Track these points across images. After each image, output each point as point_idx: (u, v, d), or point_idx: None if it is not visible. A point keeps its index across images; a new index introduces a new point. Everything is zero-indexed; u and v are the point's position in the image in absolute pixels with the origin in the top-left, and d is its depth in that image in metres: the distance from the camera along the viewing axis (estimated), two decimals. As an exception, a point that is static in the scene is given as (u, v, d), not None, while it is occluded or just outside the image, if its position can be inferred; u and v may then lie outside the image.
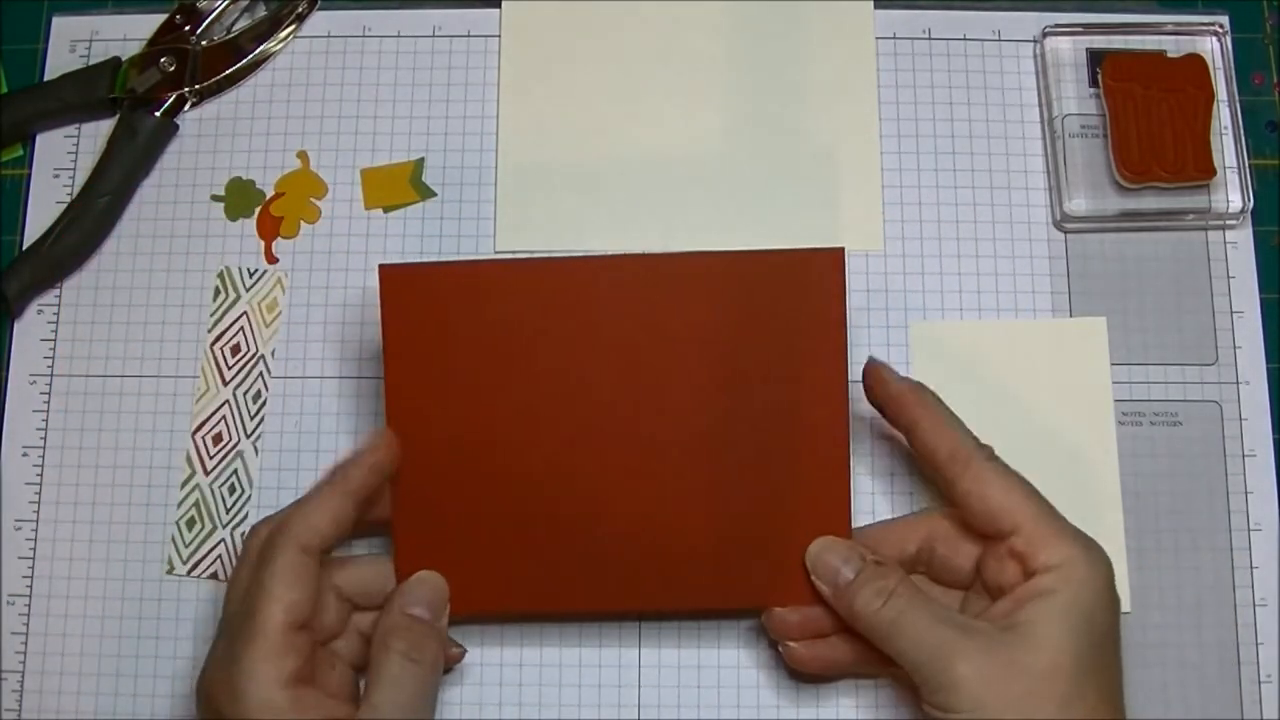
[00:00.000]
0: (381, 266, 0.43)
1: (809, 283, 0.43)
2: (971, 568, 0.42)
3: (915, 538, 0.43)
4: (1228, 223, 0.50)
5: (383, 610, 0.42)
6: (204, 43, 0.52)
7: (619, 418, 0.43)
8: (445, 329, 0.43)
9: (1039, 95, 0.51)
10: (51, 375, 0.49)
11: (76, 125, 0.52)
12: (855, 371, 0.44)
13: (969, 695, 0.38)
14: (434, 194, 0.51)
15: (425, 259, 0.49)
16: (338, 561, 0.43)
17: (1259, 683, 0.46)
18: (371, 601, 0.43)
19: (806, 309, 0.43)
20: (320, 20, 0.53)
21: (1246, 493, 0.48)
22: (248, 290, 0.50)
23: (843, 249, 0.42)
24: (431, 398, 0.43)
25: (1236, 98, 0.51)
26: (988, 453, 0.42)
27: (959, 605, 0.43)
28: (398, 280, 0.43)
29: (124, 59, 0.51)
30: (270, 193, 0.51)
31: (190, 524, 0.48)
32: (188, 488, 0.48)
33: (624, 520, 0.43)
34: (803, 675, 0.45)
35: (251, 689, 0.38)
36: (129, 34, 0.52)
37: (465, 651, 0.45)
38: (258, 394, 0.49)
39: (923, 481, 0.47)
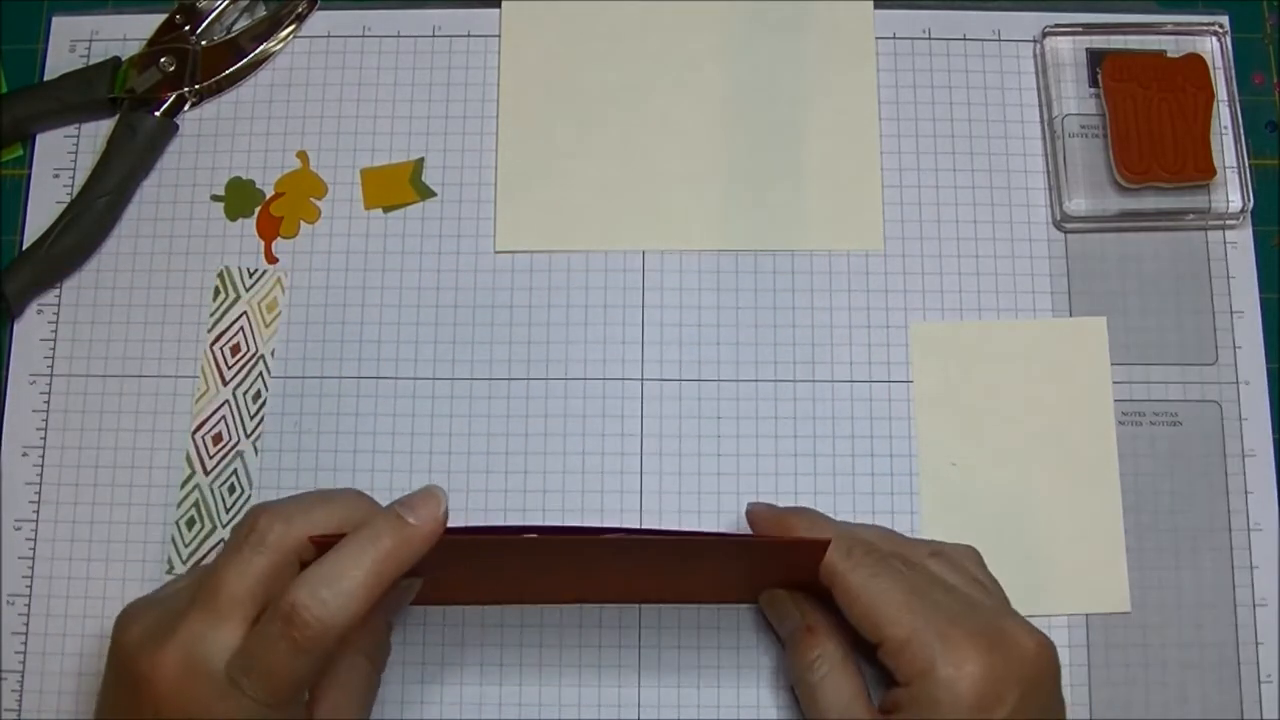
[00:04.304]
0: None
1: (797, 564, 0.42)
2: None
3: None
4: (1228, 223, 0.50)
5: None
6: (204, 43, 0.52)
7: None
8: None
9: (1039, 95, 0.51)
10: (51, 375, 0.49)
11: (76, 125, 0.52)
12: (867, 386, 0.44)
13: None
14: (434, 194, 0.51)
15: (425, 259, 0.50)
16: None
17: (1259, 683, 0.46)
18: None
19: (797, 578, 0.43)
20: (320, 20, 0.53)
21: (1246, 493, 0.48)
22: (247, 290, 0.50)
23: (829, 540, 0.40)
24: None
25: (1236, 98, 0.51)
26: (858, 557, 0.40)
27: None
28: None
29: (124, 59, 0.51)
30: (270, 193, 0.51)
31: (190, 524, 0.48)
32: (187, 488, 0.48)
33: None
34: None
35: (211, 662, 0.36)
36: (129, 34, 0.52)
37: (419, 581, 0.42)
38: (257, 394, 0.49)
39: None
